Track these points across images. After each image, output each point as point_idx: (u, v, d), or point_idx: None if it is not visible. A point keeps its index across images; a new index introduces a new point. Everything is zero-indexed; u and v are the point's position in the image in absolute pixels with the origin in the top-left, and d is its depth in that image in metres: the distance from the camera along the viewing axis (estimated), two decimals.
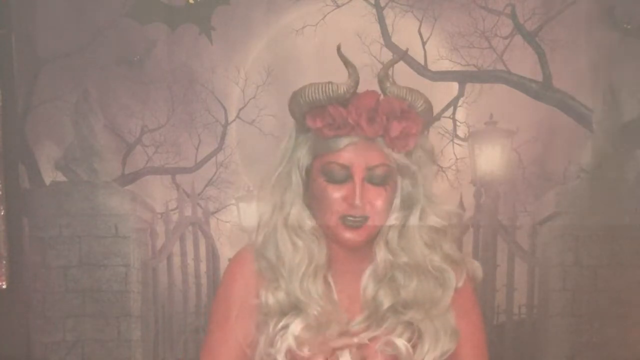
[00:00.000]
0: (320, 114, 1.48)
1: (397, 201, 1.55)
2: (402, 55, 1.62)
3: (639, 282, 4.51)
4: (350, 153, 1.48)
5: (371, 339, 1.54)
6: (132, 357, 4.77)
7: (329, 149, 1.49)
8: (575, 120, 5.54)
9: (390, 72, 1.54)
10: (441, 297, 1.56)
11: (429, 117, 1.54)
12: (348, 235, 1.52)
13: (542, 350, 4.79)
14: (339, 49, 1.50)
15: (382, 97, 1.51)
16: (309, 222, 1.56)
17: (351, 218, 1.51)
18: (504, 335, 4.98)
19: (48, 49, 5.52)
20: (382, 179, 1.51)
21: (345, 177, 1.50)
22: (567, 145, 5.65)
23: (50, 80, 5.64)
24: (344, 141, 1.48)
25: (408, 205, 1.56)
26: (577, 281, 4.57)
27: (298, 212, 1.57)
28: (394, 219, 1.55)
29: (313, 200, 1.56)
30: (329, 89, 1.48)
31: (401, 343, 1.52)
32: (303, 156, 1.54)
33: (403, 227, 1.57)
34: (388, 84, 1.51)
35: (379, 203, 1.51)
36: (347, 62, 1.50)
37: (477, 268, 1.63)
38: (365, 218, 1.51)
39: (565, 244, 4.60)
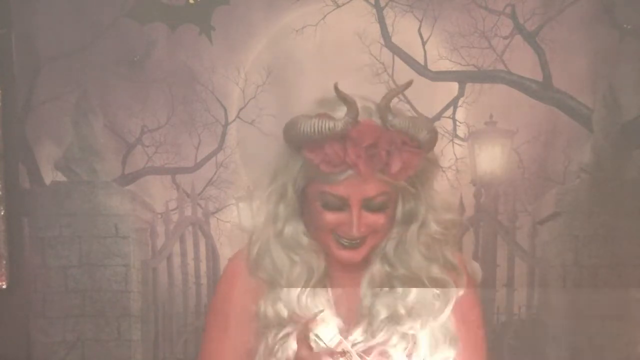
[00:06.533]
0: (317, 150, 1.41)
1: (398, 217, 1.52)
2: (405, 87, 1.46)
3: (639, 282, 4.51)
4: (347, 186, 1.43)
5: (366, 349, 1.51)
6: (132, 357, 4.76)
7: (326, 180, 1.44)
8: (575, 120, 5.53)
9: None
10: (440, 308, 1.53)
11: (432, 146, 1.47)
12: (344, 254, 1.49)
13: (542, 350, 4.79)
14: (336, 87, 1.40)
15: (382, 129, 1.42)
16: (305, 239, 1.53)
17: (347, 240, 1.48)
18: (504, 335, 4.98)
19: (48, 48, 5.51)
20: (381, 206, 1.46)
21: (342, 205, 1.45)
22: (567, 145, 5.65)
23: (50, 80, 5.63)
24: (341, 175, 1.42)
25: (408, 219, 1.53)
26: (577, 281, 4.57)
27: (294, 229, 1.53)
28: (394, 233, 1.53)
29: (308, 217, 1.52)
30: (324, 127, 1.39)
31: (396, 354, 1.51)
32: (299, 176, 1.49)
33: (401, 239, 1.53)
34: (390, 117, 1.42)
35: (379, 224, 1.48)
36: (345, 99, 1.40)
37: (476, 269, 1.62)
38: (363, 238, 1.48)
39: (565, 244, 4.59)
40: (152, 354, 4.96)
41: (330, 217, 1.47)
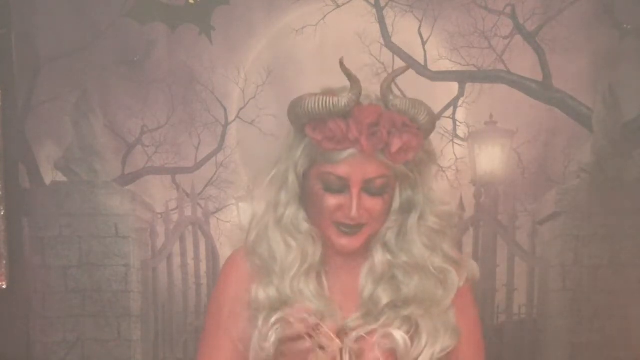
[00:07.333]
0: (320, 127, 1.45)
1: (395, 205, 1.54)
2: (406, 69, 1.53)
3: (639, 282, 4.51)
4: (348, 166, 1.46)
5: (368, 332, 1.52)
6: (132, 357, 4.76)
7: (327, 160, 1.47)
8: (575, 120, 5.54)
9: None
10: (442, 296, 1.55)
11: (431, 129, 1.51)
12: (343, 242, 1.51)
13: (542, 350, 4.79)
14: (341, 62, 1.45)
15: (384, 110, 1.47)
16: (305, 224, 1.55)
17: (346, 226, 1.50)
18: (504, 335, 4.98)
19: (48, 48, 5.52)
20: (380, 190, 1.49)
21: (342, 187, 1.48)
22: (567, 145, 5.65)
23: (50, 80, 5.64)
24: (342, 154, 1.46)
25: (407, 208, 1.55)
26: (577, 281, 4.57)
27: (294, 214, 1.55)
28: (392, 222, 1.55)
29: (308, 202, 1.54)
30: (329, 102, 1.43)
31: (399, 335, 1.52)
32: (301, 160, 1.52)
33: (401, 228, 1.56)
34: (391, 97, 1.47)
35: (377, 210, 1.50)
36: (349, 75, 1.44)
37: (474, 268, 1.63)
38: (361, 226, 1.50)
39: (565, 244, 4.60)
40: (152, 354, 4.96)
41: (331, 200, 1.49)
